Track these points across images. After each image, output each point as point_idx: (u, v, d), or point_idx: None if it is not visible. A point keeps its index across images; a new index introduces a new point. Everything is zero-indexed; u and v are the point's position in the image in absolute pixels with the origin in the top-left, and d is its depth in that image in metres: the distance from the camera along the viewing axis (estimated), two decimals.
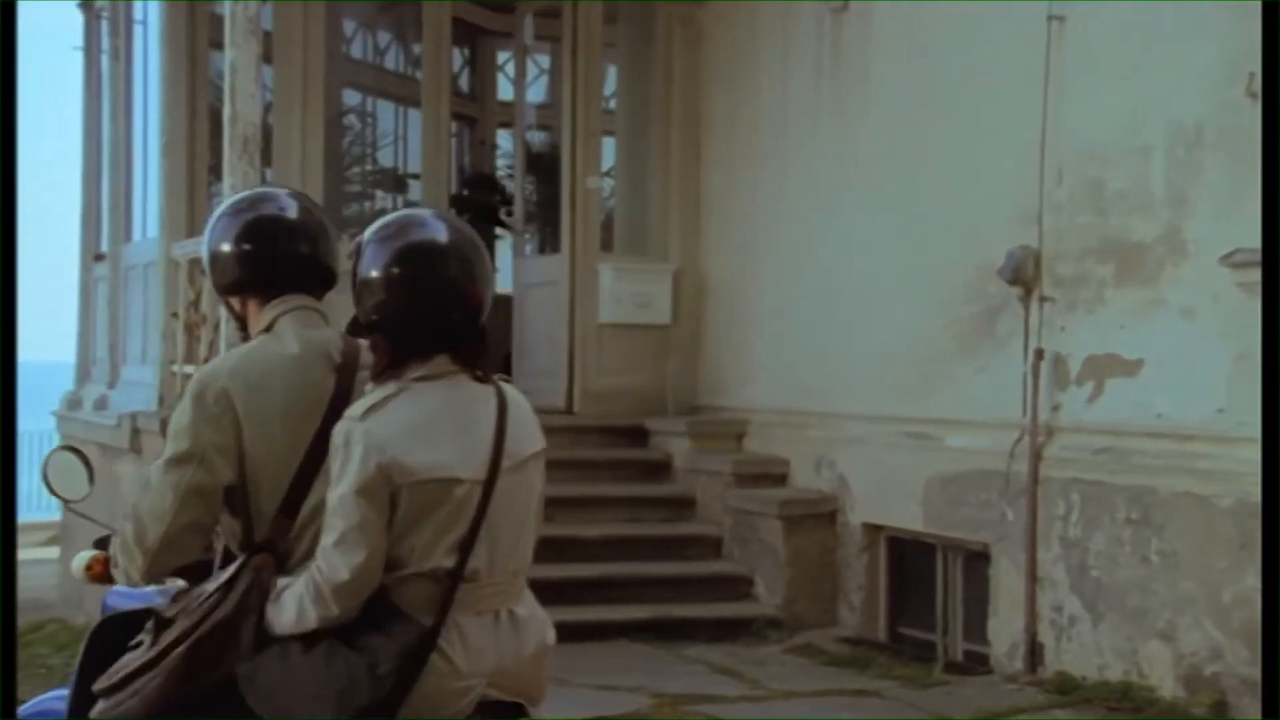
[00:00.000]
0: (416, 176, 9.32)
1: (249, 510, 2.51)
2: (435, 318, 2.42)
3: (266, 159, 7.61)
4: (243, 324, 2.71)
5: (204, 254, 2.74)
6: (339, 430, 2.38)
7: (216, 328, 6.95)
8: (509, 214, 10.39)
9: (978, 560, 6.47)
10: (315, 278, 2.68)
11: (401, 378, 2.42)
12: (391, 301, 2.40)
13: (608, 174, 9.25)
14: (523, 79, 9.91)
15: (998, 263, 6.20)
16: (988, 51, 6.48)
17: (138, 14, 9.01)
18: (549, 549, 7.57)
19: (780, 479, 7.65)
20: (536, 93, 10.39)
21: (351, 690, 2.32)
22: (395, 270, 2.40)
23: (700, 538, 7.69)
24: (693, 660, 6.48)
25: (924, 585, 6.85)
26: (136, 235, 9.00)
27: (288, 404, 2.50)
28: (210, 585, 2.49)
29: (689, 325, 8.68)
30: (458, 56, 10.40)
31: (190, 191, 8.19)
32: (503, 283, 10.56)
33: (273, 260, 2.66)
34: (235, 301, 2.71)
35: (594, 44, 8.76)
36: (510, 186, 10.50)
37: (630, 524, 7.74)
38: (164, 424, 7.28)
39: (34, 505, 15.91)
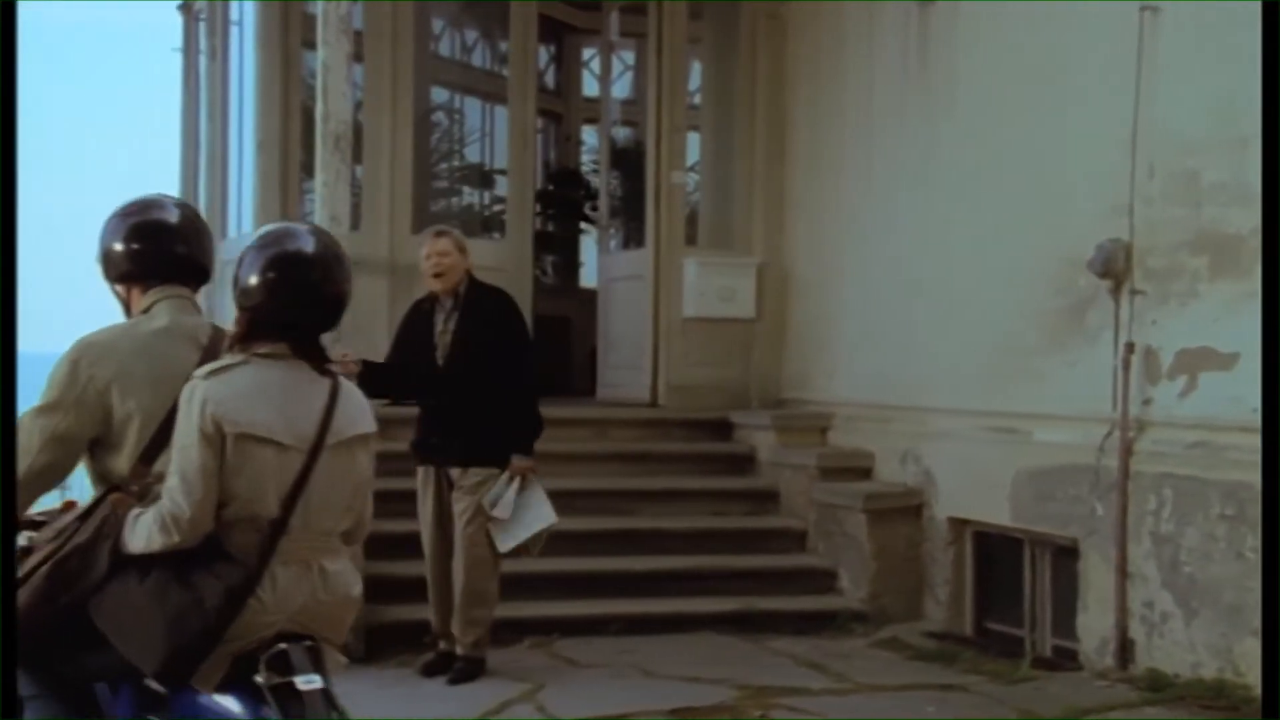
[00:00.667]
0: (503, 172, 9.43)
1: (112, 457, 2.95)
2: (297, 313, 2.89)
3: (357, 156, 7.75)
4: (128, 309, 3.15)
5: (98, 250, 3.16)
6: (187, 388, 2.82)
7: None
8: (594, 209, 10.48)
9: (1066, 555, 6.42)
10: (190, 274, 3.15)
11: (249, 351, 2.88)
12: (264, 298, 2.86)
13: (692, 169, 9.29)
14: (608, 75, 9.98)
15: (1087, 256, 6.14)
16: (1078, 43, 6.41)
17: (234, 15, 9.20)
18: (634, 541, 7.69)
19: (865, 473, 7.64)
20: (621, 89, 10.46)
21: (181, 620, 2.75)
22: (270, 274, 2.86)
23: (784, 531, 7.70)
24: (778, 653, 6.50)
25: (1011, 580, 6.80)
26: (232, 231, 9.19)
27: (152, 372, 2.94)
28: (68, 517, 2.94)
29: (773, 319, 8.69)
30: (544, 53, 10.50)
31: (284, 188, 8.36)
32: (587, 277, 10.69)
33: (153, 257, 3.10)
34: (121, 290, 3.16)
35: (679, 40, 8.81)
36: (595, 182, 10.59)
37: (715, 517, 7.77)
38: None
39: None
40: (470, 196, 10.31)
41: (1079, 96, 6.39)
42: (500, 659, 6.43)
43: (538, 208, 9.93)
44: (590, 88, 10.99)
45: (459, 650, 6.16)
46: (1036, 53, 6.65)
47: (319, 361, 2.93)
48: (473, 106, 10.03)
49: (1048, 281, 6.51)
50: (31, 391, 3.06)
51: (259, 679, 2.77)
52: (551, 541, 7.29)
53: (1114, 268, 6.07)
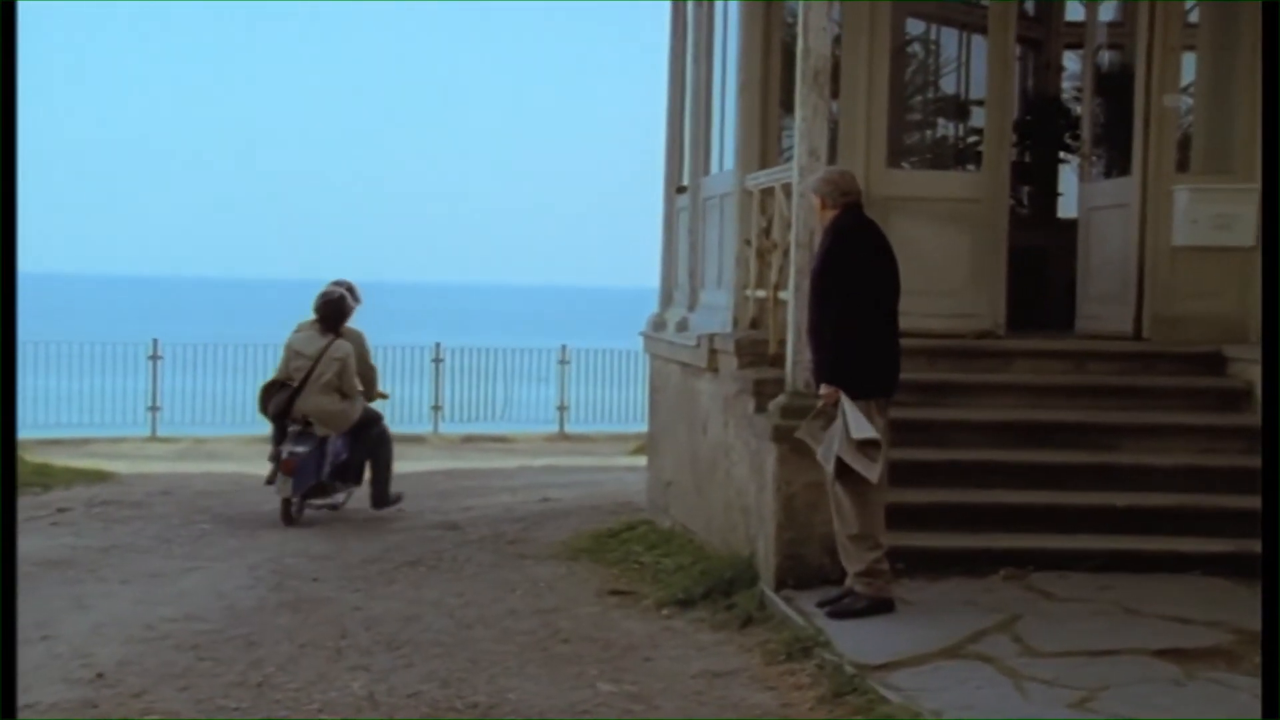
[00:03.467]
0: (979, 103, 9.29)
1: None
2: (323, 314, 10.19)
3: (834, 91, 7.89)
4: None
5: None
6: None
7: (786, 253, 7.34)
8: (1073, 137, 10.12)
9: None
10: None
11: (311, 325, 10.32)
12: (315, 308, 10.30)
13: (1185, 91, 8.77)
14: None
15: None
16: None
17: None
18: (1115, 477, 7.49)
19: None
20: (1108, 10, 10.00)
21: (274, 407, 10.09)
22: (316, 303, 10.32)
23: None
24: None
25: None
26: (714, 168, 9.62)
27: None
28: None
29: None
30: None
31: (764, 126, 8.65)
32: (1066, 207, 10.36)
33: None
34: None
35: None
36: (1075, 109, 10.21)
37: (1205, 454, 7.44)
38: (739, 345, 7.88)
39: (626, 416, 17.57)
40: (944, 128, 10.22)
41: None
42: (972, 589, 6.49)
43: (1014, 138, 9.72)
44: (1074, 12, 10.58)
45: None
46: None
47: (330, 329, 10.06)
48: (949, 37, 9.91)
49: None
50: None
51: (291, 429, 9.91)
52: (1024, 473, 7.27)
53: None
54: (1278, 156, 3.28)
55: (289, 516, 9.73)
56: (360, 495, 10.31)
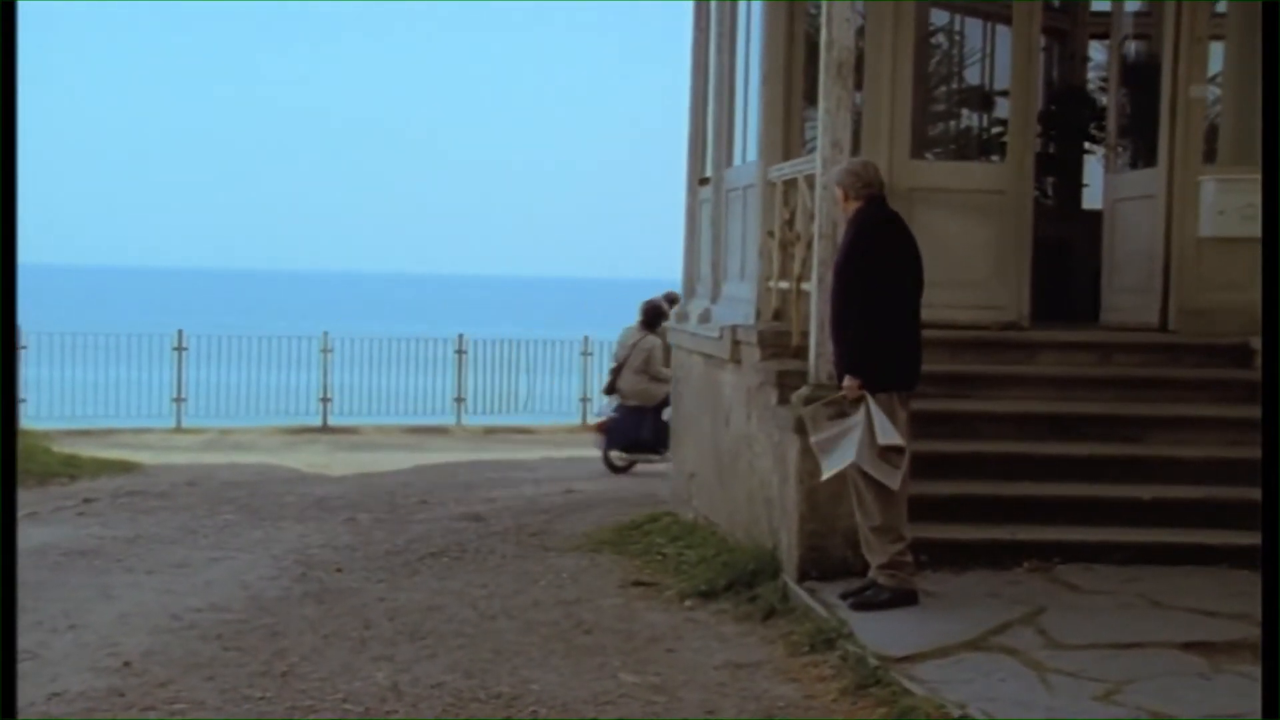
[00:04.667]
0: (1004, 93, 9.24)
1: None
2: (646, 317, 13.07)
3: (858, 83, 7.85)
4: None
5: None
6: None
7: (809, 245, 7.32)
8: (1099, 128, 10.06)
9: None
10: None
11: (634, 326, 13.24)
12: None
13: (1213, 80, 8.71)
14: None
15: None
16: None
17: None
18: (1141, 469, 7.45)
19: None
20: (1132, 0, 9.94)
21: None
22: (643, 307, 13.33)
23: None
24: None
25: None
26: (737, 160, 9.60)
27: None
28: None
29: None
30: None
31: (787, 117, 8.62)
32: (1091, 199, 10.30)
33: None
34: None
35: None
36: (1100, 100, 10.15)
37: (1232, 447, 7.38)
38: (761, 336, 7.87)
39: None
40: (969, 119, 10.17)
41: None
42: (996, 581, 6.48)
43: (1039, 129, 9.66)
44: (1100, 2, 10.52)
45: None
46: None
47: (646, 327, 12.73)
48: (973, 27, 9.86)
49: None
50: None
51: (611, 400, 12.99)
52: (1048, 465, 7.24)
53: None
54: (1277, 165, 3.25)
55: (611, 467, 12.51)
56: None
